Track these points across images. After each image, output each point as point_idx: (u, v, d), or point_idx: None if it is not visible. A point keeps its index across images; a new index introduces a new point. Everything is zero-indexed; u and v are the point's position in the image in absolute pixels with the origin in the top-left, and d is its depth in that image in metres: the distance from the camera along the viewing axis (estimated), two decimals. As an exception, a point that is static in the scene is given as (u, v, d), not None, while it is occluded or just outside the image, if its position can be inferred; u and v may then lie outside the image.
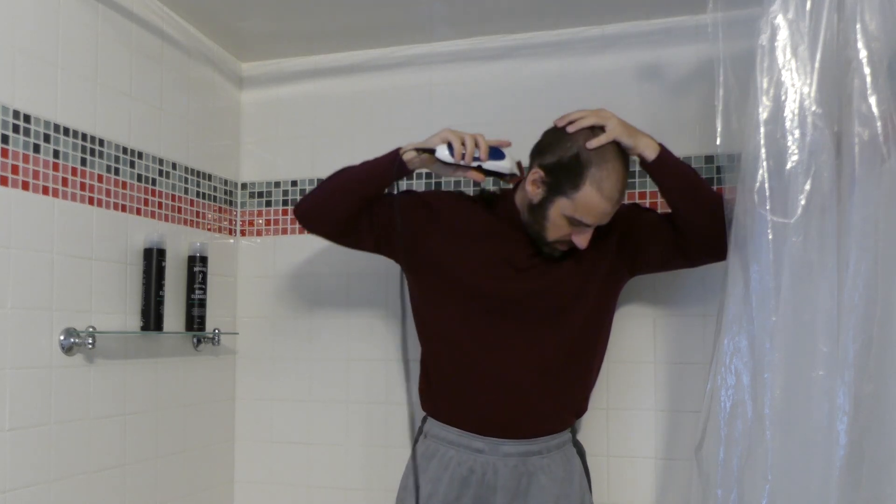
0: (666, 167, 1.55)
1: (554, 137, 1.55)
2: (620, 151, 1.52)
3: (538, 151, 1.58)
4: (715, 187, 1.93)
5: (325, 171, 2.21)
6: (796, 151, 1.29)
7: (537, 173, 1.55)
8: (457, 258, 1.64)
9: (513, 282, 1.61)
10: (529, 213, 1.59)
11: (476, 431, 1.61)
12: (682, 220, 1.58)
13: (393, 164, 1.59)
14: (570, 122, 1.53)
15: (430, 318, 1.69)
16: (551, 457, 1.62)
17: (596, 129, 1.51)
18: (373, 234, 1.67)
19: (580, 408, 1.70)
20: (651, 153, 1.53)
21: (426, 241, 1.66)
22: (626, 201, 1.94)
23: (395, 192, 1.63)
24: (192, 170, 2.07)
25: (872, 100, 1.24)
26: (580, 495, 1.63)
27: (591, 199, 1.49)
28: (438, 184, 2.11)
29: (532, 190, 1.56)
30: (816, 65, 1.29)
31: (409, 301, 1.74)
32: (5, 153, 1.50)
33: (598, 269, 1.63)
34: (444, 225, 1.66)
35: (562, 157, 1.51)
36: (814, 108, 1.29)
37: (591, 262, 1.63)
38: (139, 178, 1.86)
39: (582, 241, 1.56)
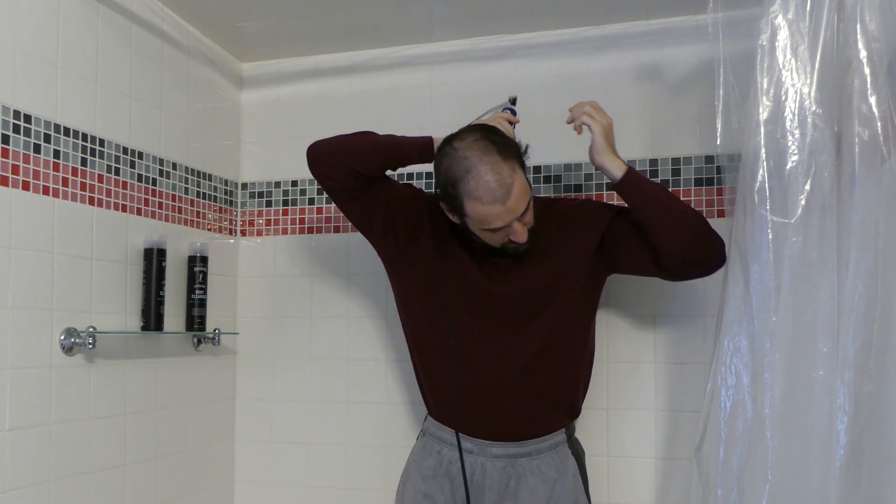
0: (633, 189, 1.52)
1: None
2: (486, 142, 1.46)
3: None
4: (715, 187, 1.94)
5: (325, 171, 2.23)
6: (796, 151, 1.29)
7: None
8: (436, 259, 1.63)
9: (487, 284, 1.61)
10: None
11: (464, 432, 1.61)
12: (656, 242, 1.52)
13: (423, 149, 1.59)
14: (573, 120, 1.59)
15: (410, 320, 1.69)
16: (541, 458, 1.62)
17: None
18: (383, 206, 1.63)
19: (570, 409, 1.68)
20: (617, 173, 1.52)
21: (418, 236, 1.65)
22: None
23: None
24: (193, 170, 2.07)
25: (872, 100, 1.24)
26: (573, 496, 1.62)
27: (481, 212, 1.46)
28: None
29: (452, 218, 1.56)
30: (816, 65, 1.29)
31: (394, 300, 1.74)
32: (6, 153, 1.50)
33: (573, 266, 1.60)
34: (431, 226, 1.66)
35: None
36: (814, 108, 1.29)
37: (563, 260, 1.60)
38: (139, 178, 1.86)
39: (518, 236, 1.52)
